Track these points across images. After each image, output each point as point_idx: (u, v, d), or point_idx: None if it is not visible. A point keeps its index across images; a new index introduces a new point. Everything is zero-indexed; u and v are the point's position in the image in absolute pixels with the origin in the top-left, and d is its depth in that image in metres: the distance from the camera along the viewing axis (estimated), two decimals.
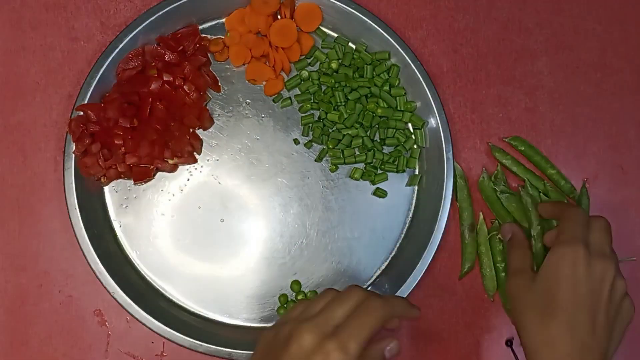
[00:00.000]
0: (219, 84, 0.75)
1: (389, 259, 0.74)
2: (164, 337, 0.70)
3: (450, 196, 0.72)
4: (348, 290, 0.57)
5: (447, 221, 0.72)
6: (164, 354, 0.73)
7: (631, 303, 0.63)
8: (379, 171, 0.75)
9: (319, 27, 0.76)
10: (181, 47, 0.73)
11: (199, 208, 0.74)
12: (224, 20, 0.76)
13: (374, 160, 0.74)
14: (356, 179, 0.74)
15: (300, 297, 0.73)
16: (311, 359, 0.52)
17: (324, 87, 0.75)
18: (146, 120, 0.71)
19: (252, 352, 0.69)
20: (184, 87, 0.72)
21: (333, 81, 0.74)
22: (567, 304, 0.59)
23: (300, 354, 0.52)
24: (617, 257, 0.63)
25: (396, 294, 0.71)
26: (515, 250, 0.68)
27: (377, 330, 0.54)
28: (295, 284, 0.73)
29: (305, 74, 0.75)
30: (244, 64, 0.75)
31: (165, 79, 0.72)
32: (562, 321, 0.59)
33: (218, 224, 0.73)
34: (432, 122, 0.74)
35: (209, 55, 0.75)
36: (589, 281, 0.60)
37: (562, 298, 0.60)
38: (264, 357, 0.56)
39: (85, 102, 0.71)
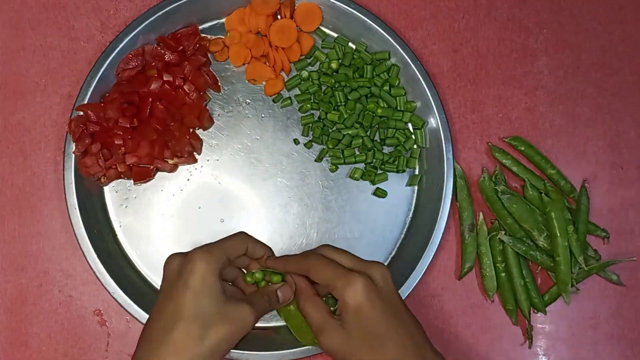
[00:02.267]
0: (219, 84, 0.75)
1: (389, 259, 0.74)
2: None
3: (450, 196, 0.72)
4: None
5: (447, 221, 0.72)
6: None
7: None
8: (379, 171, 0.75)
9: (319, 27, 0.76)
10: (181, 47, 0.73)
11: (199, 208, 0.74)
12: (224, 20, 0.76)
13: (374, 160, 0.74)
14: (356, 179, 0.74)
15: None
16: (182, 267, 0.60)
17: (324, 87, 0.75)
18: (146, 120, 0.71)
19: (251, 352, 0.69)
20: (184, 87, 0.72)
21: (333, 81, 0.74)
22: (387, 329, 0.59)
23: (170, 274, 0.61)
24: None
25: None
26: (307, 305, 0.63)
27: (236, 248, 0.63)
28: None
29: (305, 74, 0.75)
30: (244, 64, 0.75)
31: (165, 79, 0.72)
32: (395, 343, 0.59)
33: (218, 224, 0.73)
34: (432, 122, 0.74)
35: (209, 55, 0.75)
36: (383, 296, 0.60)
37: (378, 327, 0.59)
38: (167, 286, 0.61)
39: (85, 102, 0.71)
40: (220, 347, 0.58)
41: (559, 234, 0.71)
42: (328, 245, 0.67)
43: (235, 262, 0.64)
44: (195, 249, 0.61)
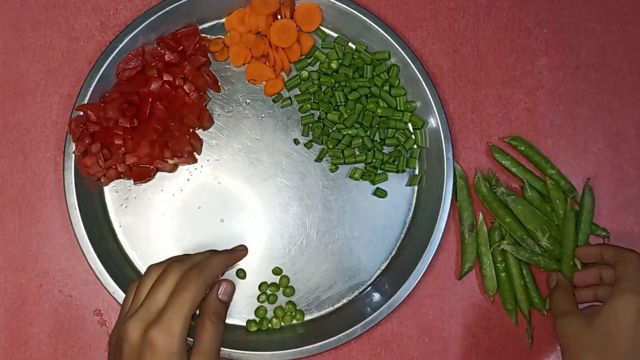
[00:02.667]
0: (219, 84, 0.75)
1: (389, 259, 0.74)
2: None
3: (450, 196, 0.72)
4: (166, 269, 0.59)
5: (447, 221, 0.72)
6: None
7: None
8: (379, 171, 0.75)
9: (319, 27, 0.76)
10: (181, 47, 0.73)
11: (199, 208, 0.74)
12: (224, 20, 0.76)
13: (374, 160, 0.74)
14: (356, 179, 0.74)
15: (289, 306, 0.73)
16: (142, 353, 0.55)
17: (324, 87, 0.75)
18: (146, 120, 0.71)
19: (251, 352, 0.69)
20: (184, 87, 0.72)
21: (333, 81, 0.74)
22: (628, 351, 0.61)
23: (132, 353, 0.55)
24: None
25: (396, 293, 0.71)
26: (561, 294, 0.69)
27: (198, 300, 0.57)
28: (288, 289, 0.73)
29: (305, 74, 0.75)
30: (244, 64, 0.75)
31: (165, 79, 0.72)
32: None
33: (218, 224, 0.73)
34: (432, 122, 0.74)
35: (209, 55, 0.75)
36: None
37: (623, 345, 0.61)
38: None
39: (85, 102, 0.71)
40: None
41: (562, 214, 0.73)
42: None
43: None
44: (153, 327, 0.55)
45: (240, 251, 0.71)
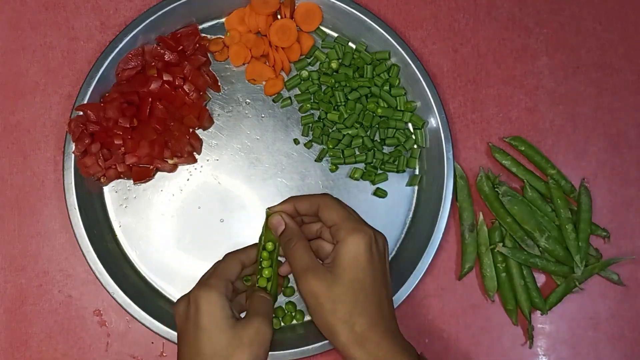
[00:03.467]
0: (219, 84, 0.75)
1: (389, 259, 0.74)
2: (164, 337, 0.70)
3: (450, 196, 0.72)
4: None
5: (447, 221, 0.72)
6: (164, 354, 0.73)
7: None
8: (379, 171, 0.75)
9: (319, 27, 0.76)
10: (181, 47, 0.73)
11: (199, 208, 0.74)
12: (224, 20, 0.76)
13: (374, 160, 0.74)
14: (356, 179, 0.74)
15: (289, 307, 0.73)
16: (188, 309, 0.60)
17: (324, 87, 0.75)
18: (146, 120, 0.71)
19: None
20: (184, 87, 0.72)
21: (333, 81, 0.74)
22: (374, 287, 0.60)
23: (181, 316, 0.61)
24: None
25: (396, 293, 0.71)
26: (294, 246, 0.63)
27: (232, 269, 0.64)
28: (289, 289, 0.73)
29: (305, 73, 0.75)
30: (244, 64, 0.75)
31: (165, 79, 0.71)
32: (376, 303, 0.60)
33: (218, 224, 0.73)
34: (432, 122, 0.73)
35: (208, 55, 0.75)
36: (380, 257, 0.62)
37: (369, 283, 0.60)
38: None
39: (85, 102, 0.71)
40: None
41: (562, 211, 0.72)
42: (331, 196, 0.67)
43: (237, 281, 0.66)
44: (195, 288, 0.61)
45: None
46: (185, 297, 0.62)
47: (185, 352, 0.60)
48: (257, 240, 0.69)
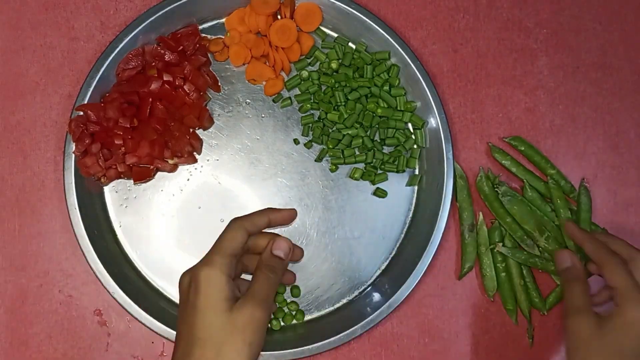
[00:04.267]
0: (219, 84, 0.75)
1: (389, 259, 0.74)
2: (164, 337, 0.70)
3: (450, 196, 0.72)
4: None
5: (447, 221, 0.72)
6: (164, 354, 0.73)
7: None
8: (379, 171, 0.75)
9: (319, 27, 0.76)
10: (181, 47, 0.73)
11: (199, 208, 0.74)
12: (224, 20, 0.76)
13: (374, 160, 0.74)
14: (356, 179, 0.74)
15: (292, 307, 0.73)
16: (190, 286, 0.58)
17: (324, 87, 0.75)
18: (146, 120, 0.71)
19: None
20: (184, 87, 0.72)
21: (333, 81, 0.74)
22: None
23: (183, 293, 0.59)
24: None
25: (396, 293, 0.71)
26: (574, 285, 0.65)
27: (237, 240, 0.61)
28: (295, 289, 0.73)
29: (305, 74, 0.75)
30: (244, 64, 0.75)
31: (165, 79, 0.72)
32: None
33: (218, 224, 0.73)
34: (432, 122, 0.74)
35: (209, 55, 0.75)
36: None
37: (631, 357, 0.60)
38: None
39: (85, 102, 0.71)
40: (243, 356, 0.57)
41: (561, 211, 0.72)
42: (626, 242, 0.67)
43: (244, 253, 0.64)
44: (198, 265, 0.59)
45: (289, 210, 0.67)
46: (189, 272, 0.60)
47: (181, 330, 0.59)
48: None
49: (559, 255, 0.67)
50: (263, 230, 0.64)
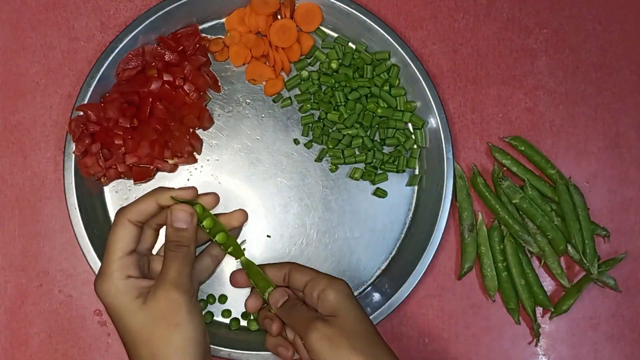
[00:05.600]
0: (219, 84, 0.75)
1: (389, 259, 0.74)
2: None
3: (450, 196, 0.72)
4: None
5: (447, 221, 0.72)
6: None
7: None
8: (379, 171, 0.75)
9: (319, 27, 0.76)
10: (181, 47, 0.73)
11: None
12: (224, 20, 0.76)
13: (374, 160, 0.74)
14: (356, 179, 0.74)
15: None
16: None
17: (324, 87, 0.75)
18: (146, 120, 0.71)
19: (251, 352, 0.69)
20: (184, 87, 0.72)
21: (333, 81, 0.74)
22: (359, 327, 0.59)
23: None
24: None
25: (396, 293, 0.71)
26: (293, 310, 0.62)
27: (123, 241, 0.58)
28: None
29: (305, 74, 0.75)
30: (244, 64, 0.75)
31: (165, 79, 0.72)
32: (374, 343, 0.59)
33: None
34: (432, 122, 0.74)
35: (209, 55, 0.75)
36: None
37: (362, 324, 0.60)
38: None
39: (85, 102, 0.71)
40: (173, 339, 0.55)
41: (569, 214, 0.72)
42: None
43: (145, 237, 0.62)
44: (96, 278, 0.59)
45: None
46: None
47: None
48: (257, 239, 0.68)
49: (272, 296, 0.64)
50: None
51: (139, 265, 0.60)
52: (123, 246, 0.59)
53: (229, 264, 0.72)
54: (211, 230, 0.62)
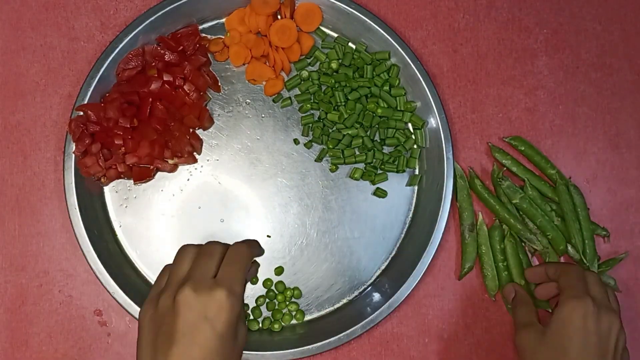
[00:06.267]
0: (219, 84, 0.75)
1: (389, 259, 0.74)
2: None
3: (450, 196, 0.72)
4: (207, 245, 0.61)
5: (447, 221, 0.72)
6: None
7: (628, 355, 0.66)
8: (379, 171, 0.75)
9: (319, 27, 0.76)
10: (181, 47, 0.73)
11: (199, 208, 0.74)
12: (224, 20, 0.76)
13: (374, 160, 0.74)
14: (356, 179, 0.74)
15: (281, 299, 0.73)
16: (206, 312, 0.55)
17: (324, 87, 0.75)
18: (146, 120, 0.71)
19: (251, 352, 0.69)
20: (184, 87, 0.72)
21: (333, 81, 0.74)
22: (579, 355, 0.62)
23: (192, 315, 0.55)
24: (619, 309, 0.67)
25: (396, 293, 0.71)
26: (520, 306, 0.71)
27: (247, 270, 0.60)
28: (296, 290, 0.73)
29: (305, 74, 0.75)
30: (244, 64, 0.75)
31: (165, 79, 0.72)
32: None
33: (218, 224, 0.73)
34: (432, 122, 0.74)
35: (209, 55, 0.75)
36: (597, 333, 0.63)
37: (574, 350, 0.62)
38: (154, 338, 0.56)
39: (85, 102, 0.71)
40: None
41: (568, 215, 0.73)
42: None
43: None
44: (218, 287, 0.56)
45: (262, 249, 0.67)
46: (201, 290, 0.57)
47: (185, 351, 0.55)
48: (257, 239, 0.68)
49: (505, 289, 0.73)
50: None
51: None
52: (245, 276, 0.61)
53: None
54: None
